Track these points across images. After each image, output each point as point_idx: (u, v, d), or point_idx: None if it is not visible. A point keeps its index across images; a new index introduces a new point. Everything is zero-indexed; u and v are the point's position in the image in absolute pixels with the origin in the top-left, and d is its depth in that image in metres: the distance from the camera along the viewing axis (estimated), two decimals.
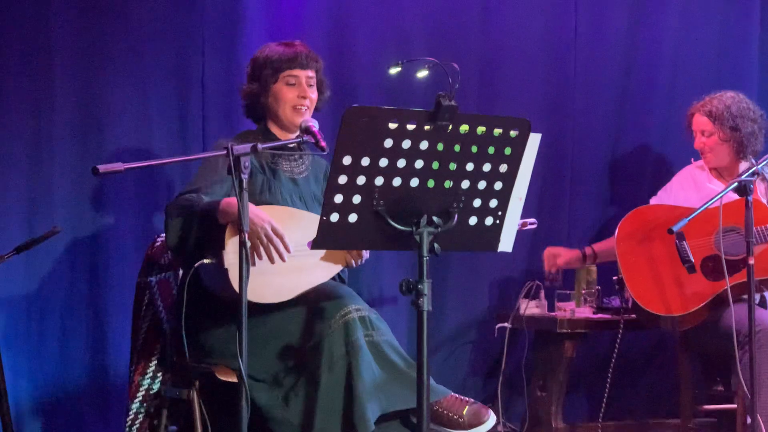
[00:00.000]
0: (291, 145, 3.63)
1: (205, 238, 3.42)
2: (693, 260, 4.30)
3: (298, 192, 3.73)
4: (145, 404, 3.73)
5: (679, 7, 5.39)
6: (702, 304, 4.31)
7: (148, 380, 3.75)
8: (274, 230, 3.37)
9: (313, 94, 3.76)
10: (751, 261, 3.73)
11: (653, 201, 4.74)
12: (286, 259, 3.40)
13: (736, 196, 3.83)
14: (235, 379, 3.28)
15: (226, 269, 3.34)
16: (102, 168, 2.93)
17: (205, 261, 3.38)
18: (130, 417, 3.72)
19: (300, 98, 3.72)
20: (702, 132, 4.59)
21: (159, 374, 3.75)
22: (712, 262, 4.33)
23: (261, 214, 3.38)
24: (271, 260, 3.38)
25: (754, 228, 4.19)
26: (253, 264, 3.34)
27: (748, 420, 3.85)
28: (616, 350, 4.61)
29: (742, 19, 5.46)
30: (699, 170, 4.68)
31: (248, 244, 3.06)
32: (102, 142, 4.43)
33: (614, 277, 4.62)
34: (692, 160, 4.74)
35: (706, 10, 5.42)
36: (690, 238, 4.32)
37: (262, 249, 3.38)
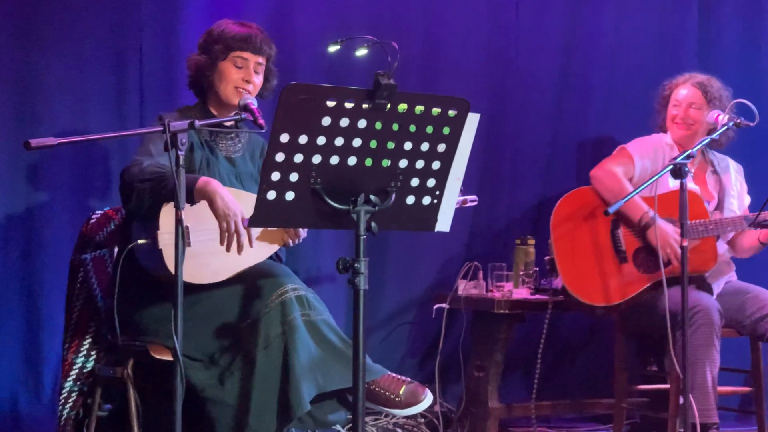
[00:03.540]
0: (229, 123, 3.59)
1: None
2: (625, 250, 4.34)
3: (234, 171, 3.71)
4: (78, 383, 3.68)
5: None
6: (631, 296, 4.34)
7: (82, 358, 3.70)
8: (243, 222, 3.33)
9: (258, 80, 3.73)
10: (685, 243, 3.76)
11: (630, 147, 4.68)
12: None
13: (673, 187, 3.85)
14: (170, 358, 3.25)
15: (160, 249, 3.31)
16: (34, 142, 2.88)
17: (140, 241, 3.35)
18: (64, 395, 3.67)
19: (244, 81, 3.70)
20: (690, 104, 4.59)
21: (93, 352, 3.71)
22: (643, 254, 4.37)
23: (236, 204, 3.34)
24: (229, 249, 3.35)
25: (691, 221, 4.21)
26: (189, 245, 3.32)
27: (681, 400, 3.89)
28: (544, 331, 4.62)
29: (680, 5, 5.51)
30: (669, 147, 4.68)
31: (185, 223, 3.01)
32: (37, 118, 4.37)
33: (546, 257, 4.64)
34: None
35: None
36: (624, 227, 4.36)
37: (226, 235, 3.34)
